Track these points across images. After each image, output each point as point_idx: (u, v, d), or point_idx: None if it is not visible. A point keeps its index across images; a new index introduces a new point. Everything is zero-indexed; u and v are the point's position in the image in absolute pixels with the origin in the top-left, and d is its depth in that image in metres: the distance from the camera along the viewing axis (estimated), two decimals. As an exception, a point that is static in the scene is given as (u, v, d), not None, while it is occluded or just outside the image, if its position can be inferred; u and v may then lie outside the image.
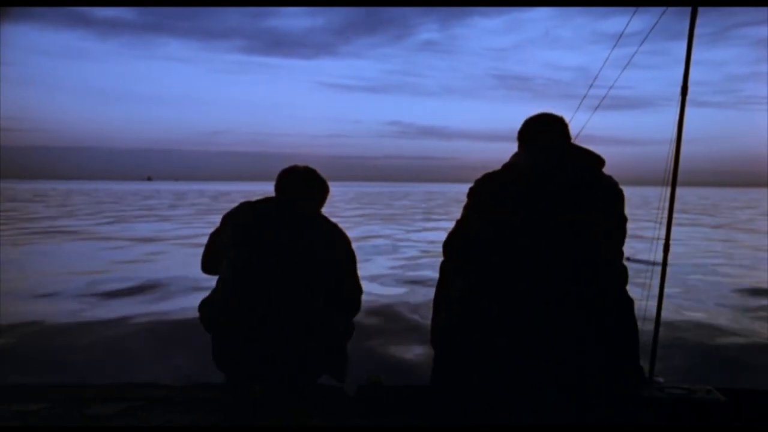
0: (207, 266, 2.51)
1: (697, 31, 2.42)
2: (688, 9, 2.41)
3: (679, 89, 2.51)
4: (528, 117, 2.21)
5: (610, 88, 2.53)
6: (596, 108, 2.51)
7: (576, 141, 2.21)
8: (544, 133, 2.13)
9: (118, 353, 3.93)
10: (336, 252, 2.38)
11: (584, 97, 2.50)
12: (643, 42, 2.45)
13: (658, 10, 2.45)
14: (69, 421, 2.08)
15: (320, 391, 2.37)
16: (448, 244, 2.10)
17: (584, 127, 2.42)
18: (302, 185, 2.45)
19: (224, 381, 2.40)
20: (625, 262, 2.08)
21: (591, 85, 2.51)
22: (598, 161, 2.05)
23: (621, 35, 2.48)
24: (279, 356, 2.28)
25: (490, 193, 2.03)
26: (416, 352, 3.98)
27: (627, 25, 2.46)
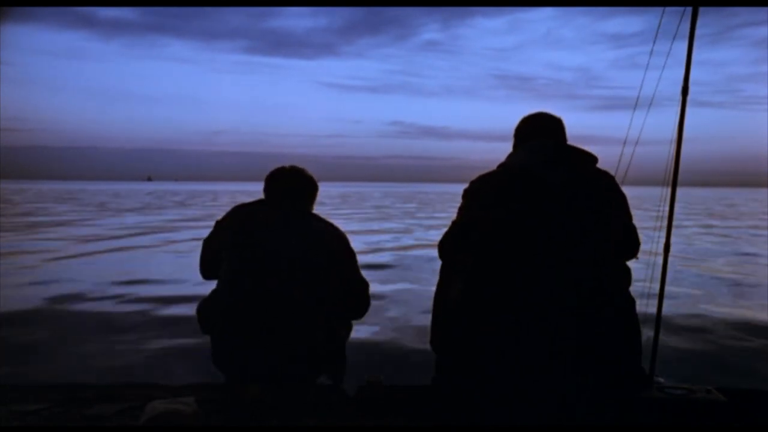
0: (205, 272, 2.51)
1: (698, 31, 2.42)
2: (689, 9, 2.41)
3: (680, 89, 2.51)
4: (524, 116, 2.21)
5: (658, 83, 2.51)
6: (651, 106, 2.52)
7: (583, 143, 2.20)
8: (540, 132, 2.13)
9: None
10: (333, 250, 2.38)
11: (637, 99, 2.49)
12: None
13: (663, 10, 2.45)
14: (69, 421, 2.08)
15: (319, 391, 2.37)
16: (444, 246, 2.09)
17: (643, 128, 2.43)
18: (291, 185, 2.45)
19: (224, 381, 2.40)
20: (633, 262, 2.08)
21: (641, 87, 2.50)
22: (592, 159, 2.05)
23: (657, 31, 2.45)
24: (278, 357, 2.28)
25: (486, 194, 2.02)
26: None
27: (659, 24, 2.45)
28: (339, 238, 2.42)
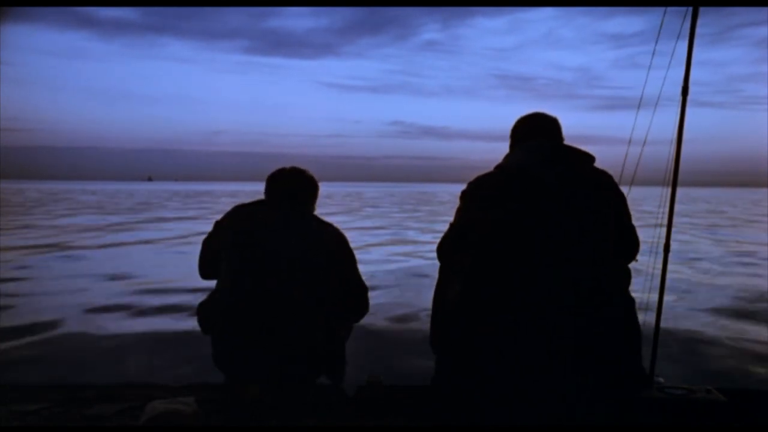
0: (204, 272, 2.51)
1: (698, 31, 2.42)
2: (689, 9, 2.41)
3: (680, 89, 2.51)
4: (520, 116, 2.21)
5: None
6: (653, 105, 2.52)
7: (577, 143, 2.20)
8: (536, 132, 2.13)
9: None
10: (333, 250, 2.38)
11: (640, 99, 2.49)
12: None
13: (665, 10, 2.45)
14: (69, 421, 2.08)
15: (319, 391, 2.37)
16: (443, 248, 2.09)
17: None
18: (291, 186, 2.46)
19: (224, 381, 2.40)
20: (633, 262, 2.08)
21: (644, 87, 2.50)
22: (589, 158, 2.05)
23: (659, 31, 2.46)
24: (278, 357, 2.28)
25: (484, 195, 2.02)
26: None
27: (661, 24, 2.45)
28: (339, 239, 2.42)
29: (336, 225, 2.49)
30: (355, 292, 2.47)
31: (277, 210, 2.39)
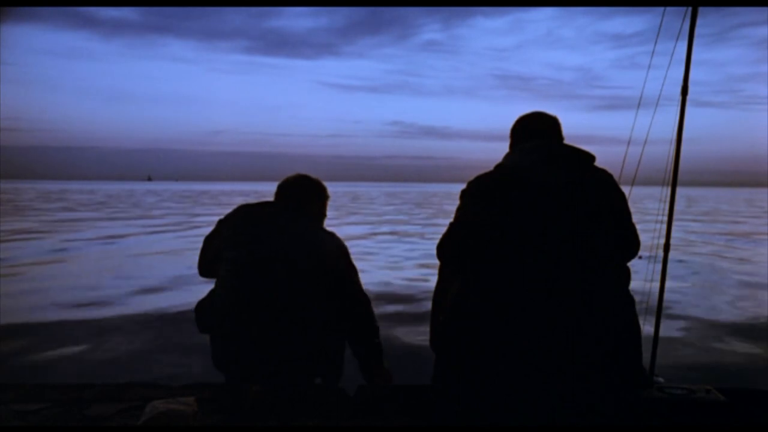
0: (204, 270, 2.51)
1: (697, 31, 2.43)
2: (689, 9, 2.42)
3: (679, 89, 2.51)
4: (520, 116, 2.22)
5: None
6: (653, 105, 2.51)
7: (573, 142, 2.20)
8: (536, 132, 2.13)
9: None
10: (333, 261, 2.36)
11: (640, 98, 2.49)
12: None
13: (664, 10, 2.45)
14: (69, 421, 2.08)
15: (320, 391, 2.37)
16: (443, 247, 2.09)
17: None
18: (295, 189, 2.46)
19: (224, 381, 2.40)
20: (636, 261, 2.08)
21: (643, 87, 2.50)
22: (589, 158, 2.05)
23: (659, 31, 2.46)
24: (277, 357, 2.28)
25: (483, 194, 2.02)
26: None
27: (661, 24, 2.45)
28: (339, 250, 2.41)
29: (339, 236, 2.48)
30: (357, 305, 2.43)
31: (281, 212, 2.39)
